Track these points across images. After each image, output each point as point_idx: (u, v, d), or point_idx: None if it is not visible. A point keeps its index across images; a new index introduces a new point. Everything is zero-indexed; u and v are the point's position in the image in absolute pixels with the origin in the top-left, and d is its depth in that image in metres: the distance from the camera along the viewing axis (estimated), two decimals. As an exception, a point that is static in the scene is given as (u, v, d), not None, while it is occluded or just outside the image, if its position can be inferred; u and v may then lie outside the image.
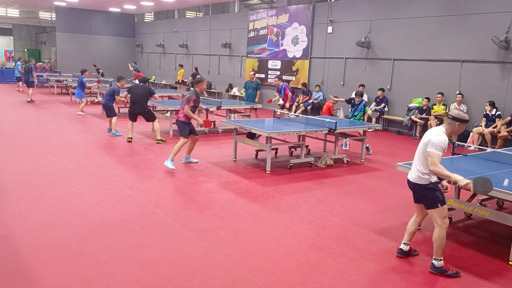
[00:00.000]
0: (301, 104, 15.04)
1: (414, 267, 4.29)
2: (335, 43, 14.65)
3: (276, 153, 8.88)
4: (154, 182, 6.72)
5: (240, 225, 5.14)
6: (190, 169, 7.59)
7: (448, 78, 11.51)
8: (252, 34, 18.20)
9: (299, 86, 15.69)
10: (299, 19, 15.89)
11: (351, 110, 9.91)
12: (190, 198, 6.12)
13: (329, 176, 7.58)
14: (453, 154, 6.18)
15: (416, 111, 11.98)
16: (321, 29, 15.10)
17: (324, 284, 3.89)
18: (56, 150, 8.58)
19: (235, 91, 18.90)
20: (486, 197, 5.54)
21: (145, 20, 28.66)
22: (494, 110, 10.26)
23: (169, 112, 10.88)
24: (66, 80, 19.52)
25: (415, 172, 4.17)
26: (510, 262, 4.41)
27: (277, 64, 17.08)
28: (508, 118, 9.92)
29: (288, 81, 16.24)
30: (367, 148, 9.41)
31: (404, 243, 4.46)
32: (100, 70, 20.08)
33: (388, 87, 13.04)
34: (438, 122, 11.31)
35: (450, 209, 5.49)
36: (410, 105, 12.26)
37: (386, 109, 12.95)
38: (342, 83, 14.46)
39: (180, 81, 20.61)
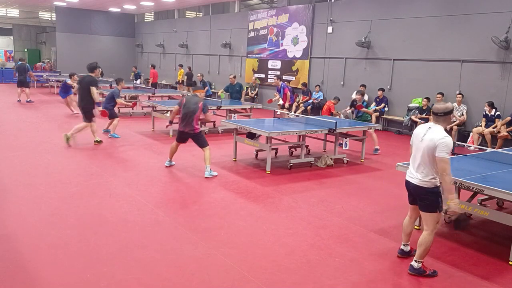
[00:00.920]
0: (301, 104, 15.04)
1: (414, 267, 4.29)
2: (335, 43, 14.65)
3: (276, 153, 8.88)
4: (154, 182, 6.72)
5: (240, 225, 5.14)
6: (189, 169, 7.59)
7: (448, 78, 11.51)
8: (252, 34, 18.21)
9: (299, 86, 15.69)
10: (299, 19, 15.89)
11: (354, 111, 9.89)
12: (190, 198, 6.12)
13: (329, 176, 7.58)
14: (453, 154, 6.17)
15: (416, 111, 11.98)
16: (321, 29, 15.10)
17: (324, 284, 3.89)
18: (56, 150, 8.58)
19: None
20: (486, 197, 5.55)
21: (145, 20, 28.67)
22: (494, 110, 10.26)
23: (169, 112, 10.86)
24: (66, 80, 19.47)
25: (419, 175, 4.02)
26: (510, 262, 4.41)
27: (277, 64, 17.08)
28: (508, 118, 9.91)
29: (288, 81, 16.25)
30: (376, 149, 9.52)
31: (404, 244, 4.46)
32: (100, 69, 20.03)
33: (388, 87, 13.04)
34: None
35: (450, 209, 5.51)
36: (410, 105, 12.26)
37: (386, 109, 12.95)
38: (342, 83, 14.46)
39: (180, 81, 20.62)
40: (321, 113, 13.92)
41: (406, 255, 4.44)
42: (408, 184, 4.20)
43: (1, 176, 6.69)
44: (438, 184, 4.02)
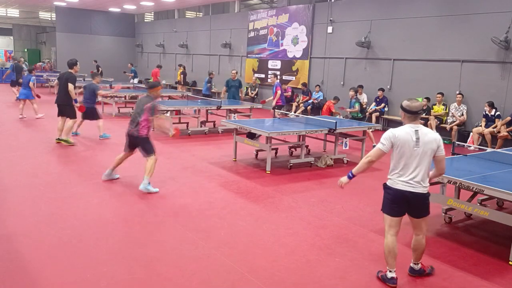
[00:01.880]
0: (301, 104, 15.04)
1: (414, 267, 4.28)
2: (335, 43, 14.65)
3: (276, 153, 8.88)
4: (154, 182, 6.71)
5: (240, 225, 5.14)
6: (189, 169, 7.59)
7: (448, 78, 11.51)
8: (252, 34, 18.21)
9: (299, 86, 15.69)
10: (299, 19, 15.89)
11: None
12: (190, 198, 6.11)
13: (329, 176, 7.58)
14: (453, 154, 6.18)
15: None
16: (321, 29, 15.10)
17: (324, 284, 3.89)
18: (56, 150, 8.57)
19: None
20: (486, 197, 5.55)
21: (145, 20, 28.67)
22: (494, 110, 10.26)
23: (169, 112, 10.89)
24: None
25: (422, 182, 3.74)
26: (510, 262, 4.41)
27: (277, 64, 17.08)
28: (508, 118, 9.91)
29: (288, 81, 16.26)
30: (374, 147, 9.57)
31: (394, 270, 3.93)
32: (100, 68, 20.06)
33: (388, 87, 13.04)
34: (438, 122, 11.32)
35: (450, 209, 5.51)
36: (410, 105, 12.24)
37: (386, 109, 12.96)
38: (342, 83, 14.46)
39: (180, 81, 20.59)
40: (321, 113, 13.92)
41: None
42: (405, 194, 3.74)
43: (1, 176, 6.69)
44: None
